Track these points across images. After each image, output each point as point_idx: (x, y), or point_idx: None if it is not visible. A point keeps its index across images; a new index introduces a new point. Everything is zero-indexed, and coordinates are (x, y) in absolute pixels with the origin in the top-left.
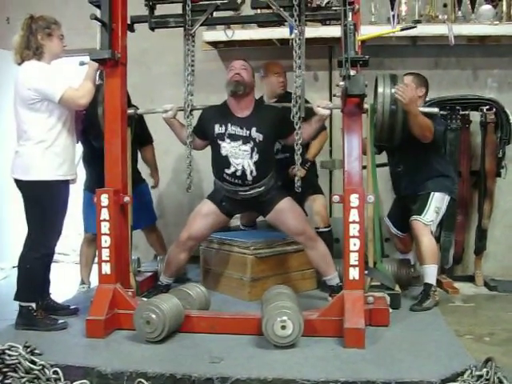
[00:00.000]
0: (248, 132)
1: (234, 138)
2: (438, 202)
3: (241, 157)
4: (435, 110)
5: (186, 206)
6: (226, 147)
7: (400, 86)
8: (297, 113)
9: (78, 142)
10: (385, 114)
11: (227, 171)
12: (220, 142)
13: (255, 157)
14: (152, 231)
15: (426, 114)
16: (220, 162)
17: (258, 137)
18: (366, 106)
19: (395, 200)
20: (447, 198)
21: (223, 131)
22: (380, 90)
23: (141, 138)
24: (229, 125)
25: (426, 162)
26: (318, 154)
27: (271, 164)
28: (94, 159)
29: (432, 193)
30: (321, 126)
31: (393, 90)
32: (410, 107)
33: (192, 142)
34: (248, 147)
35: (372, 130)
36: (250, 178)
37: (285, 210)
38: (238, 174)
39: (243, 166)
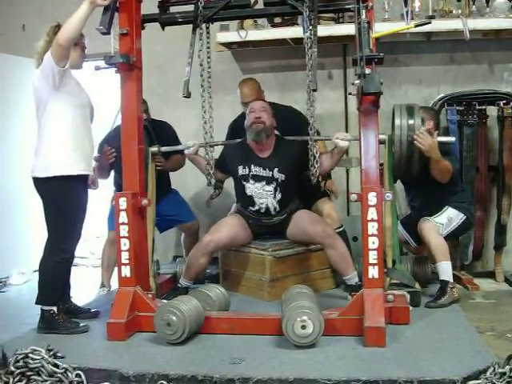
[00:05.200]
0: (271, 173)
1: (257, 178)
2: (451, 214)
3: (264, 197)
4: (452, 139)
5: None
6: (251, 188)
7: (419, 133)
8: (313, 147)
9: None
10: (402, 145)
11: (251, 208)
12: (244, 183)
13: (278, 196)
14: (191, 235)
15: (441, 151)
16: (245, 200)
17: (281, 177)
18: (383, 136)
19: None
20: (462, 216)
21: (247, 172)
22: (397, 122)
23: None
24: (252, 166)
25: (442, 196)
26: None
27: (294, 195)
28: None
29: (447, 206)
30: (341, 158)
31: (413, 124)
32: (431, 153)
33: (213, 176)
34: (271, 187)
35: (390, 159)
36: (273, 213)
37: (301, 218)
38: (262, 211)
39: (267, 205)
